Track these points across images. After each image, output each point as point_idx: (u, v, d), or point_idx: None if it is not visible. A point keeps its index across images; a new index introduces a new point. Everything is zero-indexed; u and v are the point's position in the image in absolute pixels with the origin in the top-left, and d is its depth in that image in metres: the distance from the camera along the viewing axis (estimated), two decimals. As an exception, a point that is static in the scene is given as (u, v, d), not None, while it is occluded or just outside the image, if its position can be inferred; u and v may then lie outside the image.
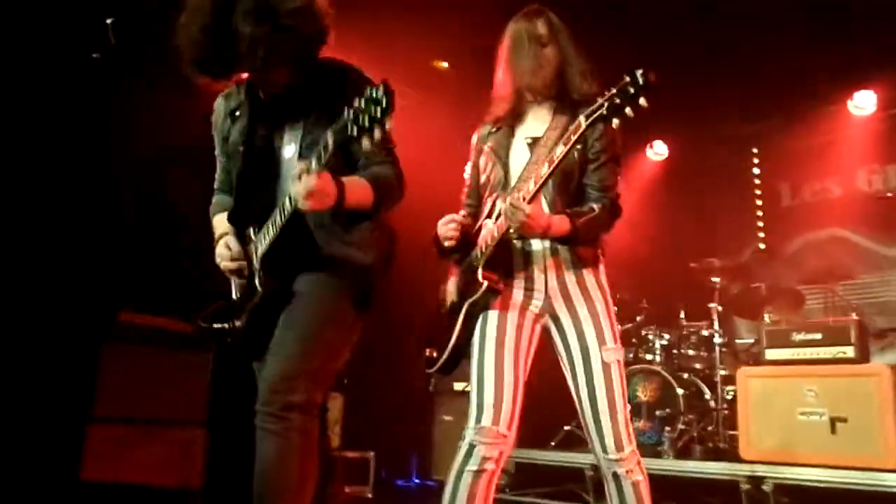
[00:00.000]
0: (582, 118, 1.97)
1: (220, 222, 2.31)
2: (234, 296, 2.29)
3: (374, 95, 1.69)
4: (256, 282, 2.13)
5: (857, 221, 5.93)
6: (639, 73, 1.88)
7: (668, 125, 6.38)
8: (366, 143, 1.73)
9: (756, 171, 6.67)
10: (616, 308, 5.40)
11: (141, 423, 3.70)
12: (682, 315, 5.27)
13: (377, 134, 1.70)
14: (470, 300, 2.24)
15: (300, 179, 1.87)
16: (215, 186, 2.43)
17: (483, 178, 2.40)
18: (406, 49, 5.03)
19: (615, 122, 1.92)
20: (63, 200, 3.96)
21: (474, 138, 2.51)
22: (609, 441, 2.17)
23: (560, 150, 2.02)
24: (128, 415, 3.70)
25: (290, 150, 2.13)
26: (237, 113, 2.23)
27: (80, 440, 3.59)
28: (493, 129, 2.41)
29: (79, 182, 3.97)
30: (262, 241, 2.12)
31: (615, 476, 2.19)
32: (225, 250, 2.22)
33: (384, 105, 1.67)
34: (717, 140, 6.47)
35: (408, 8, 4.58)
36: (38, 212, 3.90)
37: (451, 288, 2.38)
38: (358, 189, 2.04)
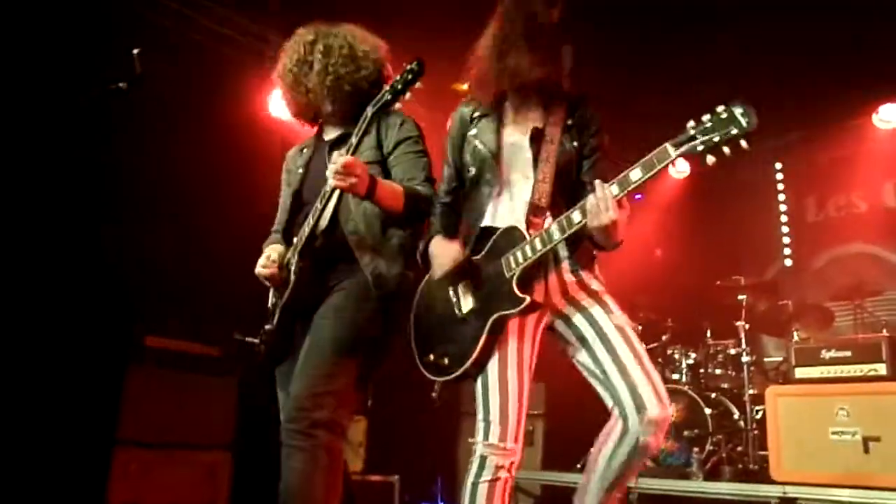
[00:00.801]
0: (670, 148, 1.87)
1: (270, 249, 2.44)
2: (269, 305, 2.40)
3: (409, 66, 2.04)
4: (292, 271, 2.22)
5: (884, 236, 5.84)
6: (739, 113, 1.75)
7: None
8: (398, 105, 2.06)
9: (780, 186, 6.61)
10: (640, 327, 5.41)
11: (166, 447, 3.71)
12: (709, 334, 5.20)
13: (408, 95, 2.04)
14: (501, 313, 2.04)
15: (334, 159, 2.04)
16: (273, 228, 2.58)
17: (472, 171, 2.19)
18: (427, 73, 5.06)
19: (710, 159, 1.82)
20: (92, 225, 4.03)
21: (454, 122, 2.31)
22: (647, 392, 1.99)
23: (636, 175, 1.93)
24: (153, 438, 3.71)
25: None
26: (304, 150, 2.54)
27: (106, 463, 3.62)
28: (476, 116, 2.23)
29: (107, 206, 4.03)
30: (301, 236, 2.24)
31: (645, 447, 2.00)
32: (264, 259, 2.36)
33: (417, 69, 2.02)
34: (740, 155, 6.42)
35: (429, 30, 4.61)
36: (66, 235, 3.97)
37: (464, 293, 2.12)
38: (390, 190, 2.17)
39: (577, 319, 2.15)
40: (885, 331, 4.58)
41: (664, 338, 5.32)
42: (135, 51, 2.14)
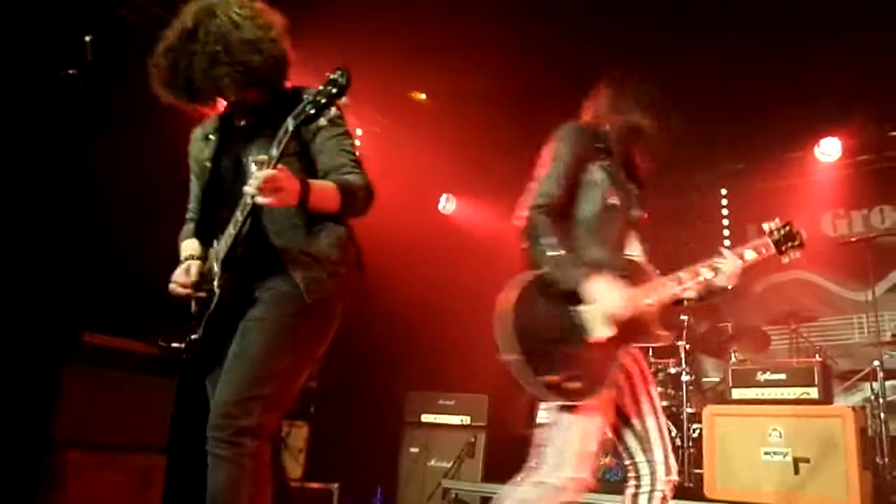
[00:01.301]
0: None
1: (187, 246, 2.30)
2: (193, 312, 2.27)
3: (332, 77, 1.86)
4: (215, 284, 2.10)
5: (822, 265, 6.05)
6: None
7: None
8: (322, 121, 1.89)
9: (724, 211, 6.81)
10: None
11: (101, 448, 3.60)
12: (650, 353, 5.30)
13: (332, 111, 1.88)
14: (641, 344, 2.26)
15: (254, 174, 1.88)
16: (187, 216, 2.43)
17: (614, 200, 2.31)
18: (383, 78, 5.06)
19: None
20: (28, 215, 3.90)
21: (582, 139, 2.32)
22: (672, 460, 2.27)
23: None
24: (88, 439, 3.59)
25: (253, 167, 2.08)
26: (210, 136, 2.30)
27: (38, 464, 3.48)
28: (604, 159, 2.32)
29: (45, 197, 3.91)
30: (223, 246, 2.11)
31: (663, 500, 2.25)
32: (182, 274, 2.21)
33: (342, 82, 1.85)
34: (684, 182, 6.60)
35: (387, 36, 4.62)
36: (12, 225, 3.84)
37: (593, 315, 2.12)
38: (323, 191, 2.03)
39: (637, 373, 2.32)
40: (817, 356, 4.74)
41: (608, 355, 5.39)
42: (87, 38, 2.06)
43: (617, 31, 4.88)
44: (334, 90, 1.86)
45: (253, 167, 1.93)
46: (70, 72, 2.04)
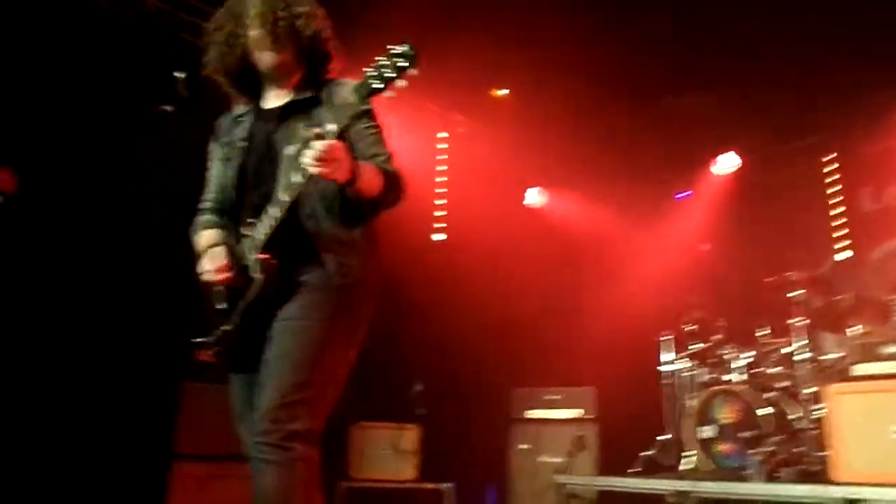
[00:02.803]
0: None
1: (207, 237, 2.24)
2: (219, 305, 2.18)
3: (399, 49, 1.75)
4: (256, 270, 2.02)
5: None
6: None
7: (735, 137, 6.24)
8: (388, 93, 1.76)
9: (832, 177, 6.42)
10: (691, 327, 5.32)
11: (222, 460, 3.78)
12: (763, 332, 5.08)
13: (401, 83, 1.75)
14: None
15: (313, 143, 1.82)
16: (200, 206, 2.36)
17: None
18: (463, 79, 5.08)
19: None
20: (140, 243, 4.15)
21: None
22: None
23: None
24: (208, 451, 3.78)
25: (291, 148, 2.02)
26: (241, 118, 2.27)
27: (164, 478, 3.70)
28: None
29: (158, 226, 4.14)
30: (260, 231, 2.05)
31: None
32: (211, 261, 2.14)
33: (411, 53, 1.73)
34: (788, 149, 6.28)
35: (462, 36, 4.63)
36: (117, 253, 4.09)
37: None
38: (371, 173, 1.98)
39: None
40: (948, 323, 4.40)
41: (716, 338, 5.21)
42: (179, 74, 2.16)
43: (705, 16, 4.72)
44: (403, 62, 1.74)
45: (294, 162, 1.89)
46: (166, 108, 2.13)
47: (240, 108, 2.29)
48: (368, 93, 1.80)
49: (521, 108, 5.99)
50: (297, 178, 1.93)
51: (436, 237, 6.41)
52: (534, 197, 7.11)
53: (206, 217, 2.32)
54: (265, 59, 2.14)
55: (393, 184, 2.05)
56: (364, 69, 1.80)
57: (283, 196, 1.97)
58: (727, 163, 6.58)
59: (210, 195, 2.33)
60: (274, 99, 2.20)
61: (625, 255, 6.32)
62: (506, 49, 5.09)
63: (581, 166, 6.56)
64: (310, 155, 1.82)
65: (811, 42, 4.92)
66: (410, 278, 5.37)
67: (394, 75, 1.75)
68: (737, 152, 6.52)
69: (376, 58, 1.78)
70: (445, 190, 6.46)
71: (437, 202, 6.48)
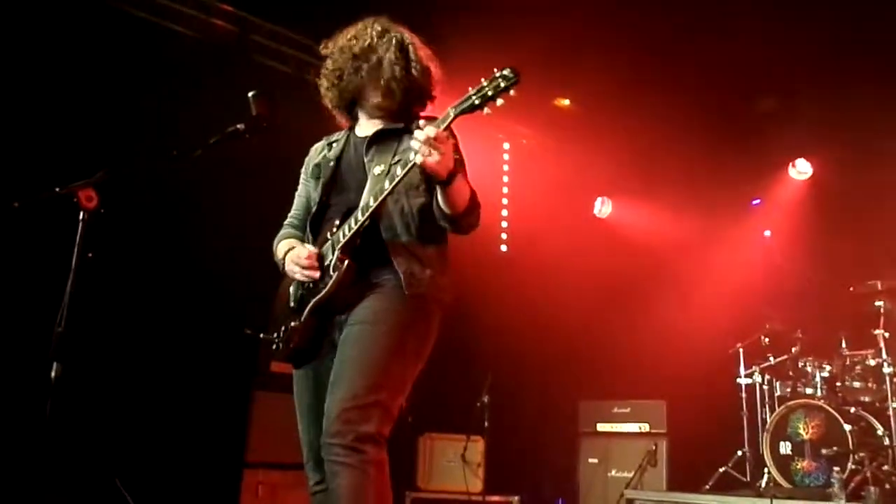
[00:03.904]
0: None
1: (287, 243, 2.33)
2: (290, 303, 2.25)
3: (500, 73, 1.87)
4: (332, 268, 2.08)
5: None
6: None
7: (811, 141, 6.04)
8: (486, 110, 1.88)
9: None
10: (767, 339, 5.14)
11: (292, 468, 3.85)
12: (844, 344, 4.86)
13: (499, 102, 1.86)
14: None
15: (425, 128, 1.89)
16: (285, 222, 2.45)
17: None
18: (524, 90, 5.08)
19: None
20: (215, 255, 4.29)
21: None
22: None
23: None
24: (279, 460, 3.86)
25: (379, 168, 2.13)
26: (334, 143, 2.39)
27: (236, 486, 3.79)
28: None
29: (234, 239, 4.27)
30: (343, 235, 2.11)
31: None
32: (299, 253, 2.19)
33: (511, 76, 1.85)
34: (866, 152, 6.02)
35: (522, 46, 4.62)
36: (192, 265, 4.23)
37: None
38: (464, 183, 2.04)
39: None
40: None
41: (794, 350, 5.02)
42: (250, 94, 2.22)
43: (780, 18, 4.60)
44: (503, 83, 1.85)
45: (381, 180, 1.97)
46: (238, 127, 2.20)
47: (335, 135, 2.43)
48: (468, 108, 1.90)
49: (586, 118, 5.94)
50: (386, 184, 2.01)
51: (503, 249, 6.41)
52: (601, 207, 7.03)
53: (287, 230, 2.42)
54: (374, 101, 2.26)
55: (475, 207, 2.10)
56: (468, 88, 1.91)
57: (371, 201, 2.05)
58: (804, 168, 6.36)
59: (294, 212, 2.44)
60: (367, 127, 2.31)
61: (697, 265, 6.16)
62: (568, 58, 5.06)
63: (649, 175, 6.45)
64: (420, 136, 1.89)
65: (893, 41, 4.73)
66: (477, 291, 5.37)
67: (492, 94, 1.87)
68: (814, 156, 6.30)
69: (482, 79, 1.90)
70: (507, 202, 6.47)
71: (503, 213, 6.48)
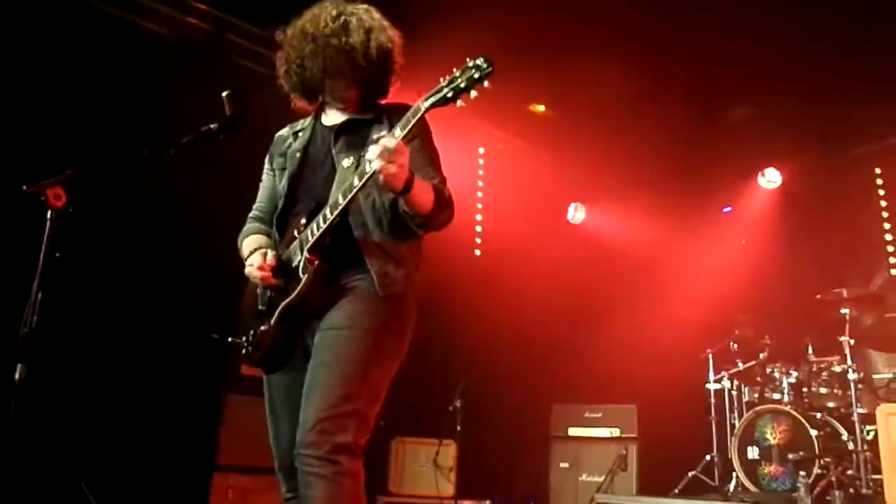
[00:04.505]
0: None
1: (254, 241, 2.25)
2: (259, 306, 2.18)
3: (475, 62, 1.79)
4: (301, 269, 2.01)
5: None
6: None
7: (779, 151, 6.14)
8: (460, 103, 1.80)
9: (881, 192, 6.25)
10: (736, 345, 5.21)
11: (263, 472, 3.81)
12: (810, 350, 4.95)
13: (473, 94, 1.79)
14: None
15: (382, 140, 1.83)
16: (250, 215, 2.38)
17: None
18: (500, 95, 5.09)
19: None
20: (184, 254, 4.24)
21: None
22: None
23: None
24: (249, 464, 3.82)
25: (347, 161, 2.06)
26: (300, 133, 2.30)
27: (206, 489, 3.74)
28: None
29: (205, 239, 4.22)
30: (311, 234, 2.04)
31: None
32: (260, 257, 2.11)
33: (485, 67, 1.77)
34: (834, 162, 6.14)
35: (498, 51, 4.64)
36: (160, 264, 4.17)
37: None
38: (424, 187, 1.98)
39: None
40: None
41: (762, 356, 5.10)
42: (224, 93, 2.19)
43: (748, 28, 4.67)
44: (477, 73, 1.77)
45: (350, 174, 1.92)
46: (211, 126, 2.17)
47: (299, 123, 2.34)
48: (439, 100, 1.83)
49: (562, 124, 5.97)
50: (355, 181, 1.94)
51: (476, 252, 6.42)
52: (574, 213, 7.08)
53: (252, 224, 2.34)
54: (336, 88, 2.18)
55: (443, 206, 2.04)
56: (440, 78, 1.83)
57: (339, 199, 1.98)
58: (773, 177, 6.46)
59: (259, 204, 2.36)
60: (333, 116, 2.24)
61: (669, 271, 6.23)
62: (544, 65, 5.08)
63: (622, 182, 6.51)
64: (376, 150, 1.83)
65: (860, 51, 4.82)
66: (451, 294, 5.38)
67: (465, 85, 1.79)
68: (783, 165, 6.41)
69: (453, 69, 1.82)
70: (481, 206, 6.48)
71: (477, 218, 6.49)
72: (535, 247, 6.19)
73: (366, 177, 1.90)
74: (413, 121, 1.88)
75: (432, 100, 1.84)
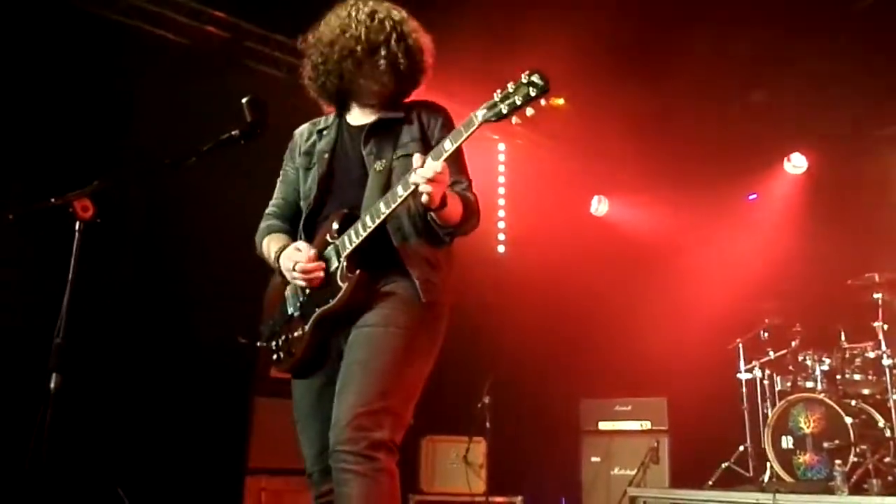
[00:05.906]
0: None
1: (279, 239, 2.19)
2: (289, 311, 2.14)
3: (530, 77, 1.77)
4: (340, 277, 1.99)
5: None
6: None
7: (805, 135, 6.05)
8: (515, 119, 1.79)
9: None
10: (766, 334, 5.14)
11: (294, 474, 3.84)
12: (843, 337, 4.86)
13: (529, 112, 1.78)
14: None
15: (423, 166, 1.83)
16: (267, 211, 2.33)
17: None
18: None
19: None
20: (213, 261, 4.28)
21: None
22: None
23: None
24: (281, 466, 3.85)
25: (379, 164, 2.06)
26: (325, 131, 2.26)
27: (239, 493, 3.78)
28: None
29: (222, 248, 4.26)
30: (349, 241, 2.01)
31: None
32: (297, 252, 2.05)
33: (541, 84, 1.76)
34: (861, 145, 6.02)
35: (518, 46, 4.62)
36: (190, 271, 4.22)
37: None
38: (454, 200, 1.98)
39: None
40: None
41: (793, 344, 5.02)
42: (244, 99, 2.20)
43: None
44: (533, 92, 1.76)
45: (419, 158, 1.88)
46: (232, 133, 2.18)
47: (321, 121, 2.31)
48: (493, 115, 1.82)
49: (581, 117, 5.93)
50: (399, 190, 1.92)
51: (501, 250, 6.41)
52: (598, 205, 7.03)
53: (272, 222, 2.28)
54: (365, 88, 2.15)
55: (471, 213, 2.05)
56: (494, 93, 1.82)
57: (381, 207, 1.96)
58: (799, 162, 6.36)
59: (277, 200, 2.32)
60: (360, 115, 2.22)
61: (695, 261, 6.16)
62: (563, 57, 5.05)
63: (646, 172, 6.45)
64: (422, 173, 1.83)
65: (887, 27, 4.73)
66: (476, 293, 5.37)
67: (520, 103, 1.78)
68: (810, 149, 6.31)
69: (507, 83, 1.80)
70: (503, 203, 6.46)
71: (500, 214, 6.48)
72: (559, 241, 6.16)
73: (409, 190, 1.90)
74: (466, 135, 1.86)
75: (487, 114, 1.83)
